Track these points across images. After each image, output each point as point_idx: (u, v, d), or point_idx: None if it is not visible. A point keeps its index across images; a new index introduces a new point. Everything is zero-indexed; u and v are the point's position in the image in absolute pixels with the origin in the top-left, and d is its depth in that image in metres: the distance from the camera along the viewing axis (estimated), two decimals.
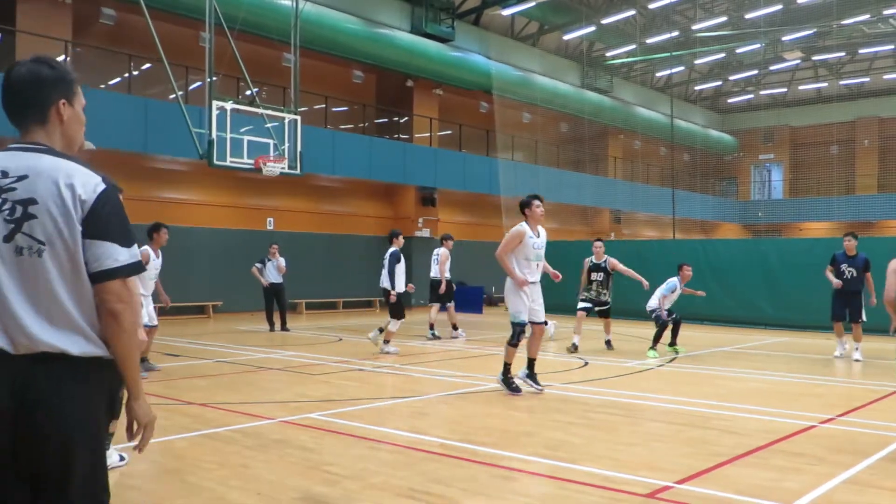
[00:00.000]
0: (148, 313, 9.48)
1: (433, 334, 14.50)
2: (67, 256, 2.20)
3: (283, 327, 16.51)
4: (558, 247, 23.50)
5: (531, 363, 8.36)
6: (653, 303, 12.57)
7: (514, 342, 8.19)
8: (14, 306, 2.17)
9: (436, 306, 14.95)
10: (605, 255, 13.08)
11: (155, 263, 9.86)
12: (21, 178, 2.21)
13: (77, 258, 2.21)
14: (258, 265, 16.57)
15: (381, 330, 12.44)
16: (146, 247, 9.68)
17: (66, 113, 2.36)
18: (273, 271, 16.47)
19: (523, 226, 8.20)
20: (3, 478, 2.16)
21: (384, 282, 12.24)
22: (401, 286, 12.19)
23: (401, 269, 12.18)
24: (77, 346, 2.20)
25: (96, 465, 2.27)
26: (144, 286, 9.45)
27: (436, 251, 15.07)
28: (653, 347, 12.20)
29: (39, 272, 2.19)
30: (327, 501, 4.53)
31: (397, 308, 11.93)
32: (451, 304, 15.23)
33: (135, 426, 2.39)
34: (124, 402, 2.38)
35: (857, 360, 11.68)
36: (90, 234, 2.21)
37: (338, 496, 4.62)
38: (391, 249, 12.36)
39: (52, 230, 2.19)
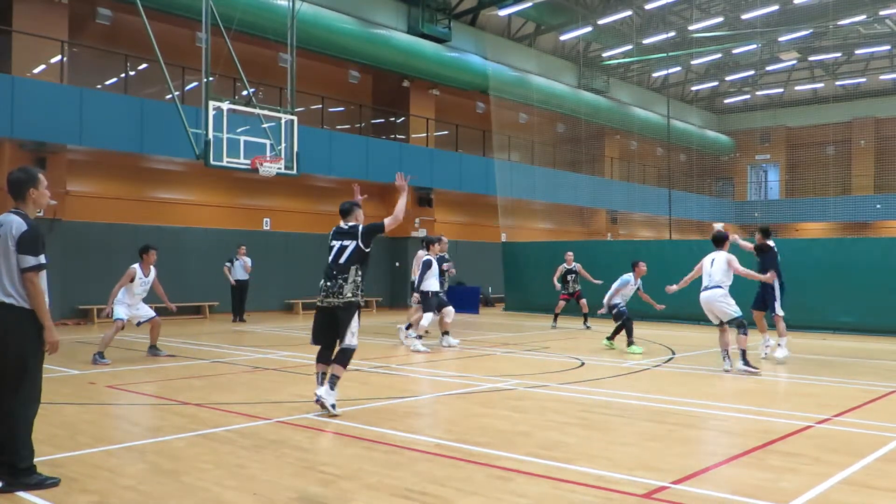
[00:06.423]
0: (133, 313, 10.87)
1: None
2: (7, 260, 4.75)
3: (241, 318, 18.48)
4: (554, 247, 23.54)
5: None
6: (614, 298, 13.07)
7: (746, 332, 10.30)
8: None
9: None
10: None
11: (142, 280, 10.75)
12: (3, 224, 4.80)
13: (12, 260, 4.74)
14: (227, 264, 18.34)
15: (408, 327, 13.54)
16: (135, 265, 10.72)
17: (34, 195, 4.94)
18: (240, 269, 18.45)
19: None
20: None
21: (416, 284, 13.12)
22: (433, 287, 12.92)
23: (431, 273, 13.00)
24: (10, 299, 4.73)
25: (25, 354, 4.73)
26: (130, 298, 10.81)
27: None
28: (631, 342, 12.55)
29: None
30: (323, 502, 4.53)
31: (427, 305, 12.90)
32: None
33: (47, 344, 4.83)
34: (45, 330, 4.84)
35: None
36: (19, 251, 4.73)
37: (333, 496, 4.62)
38: (424, 257, 13.24)
39: (3, 248, 4.76)
